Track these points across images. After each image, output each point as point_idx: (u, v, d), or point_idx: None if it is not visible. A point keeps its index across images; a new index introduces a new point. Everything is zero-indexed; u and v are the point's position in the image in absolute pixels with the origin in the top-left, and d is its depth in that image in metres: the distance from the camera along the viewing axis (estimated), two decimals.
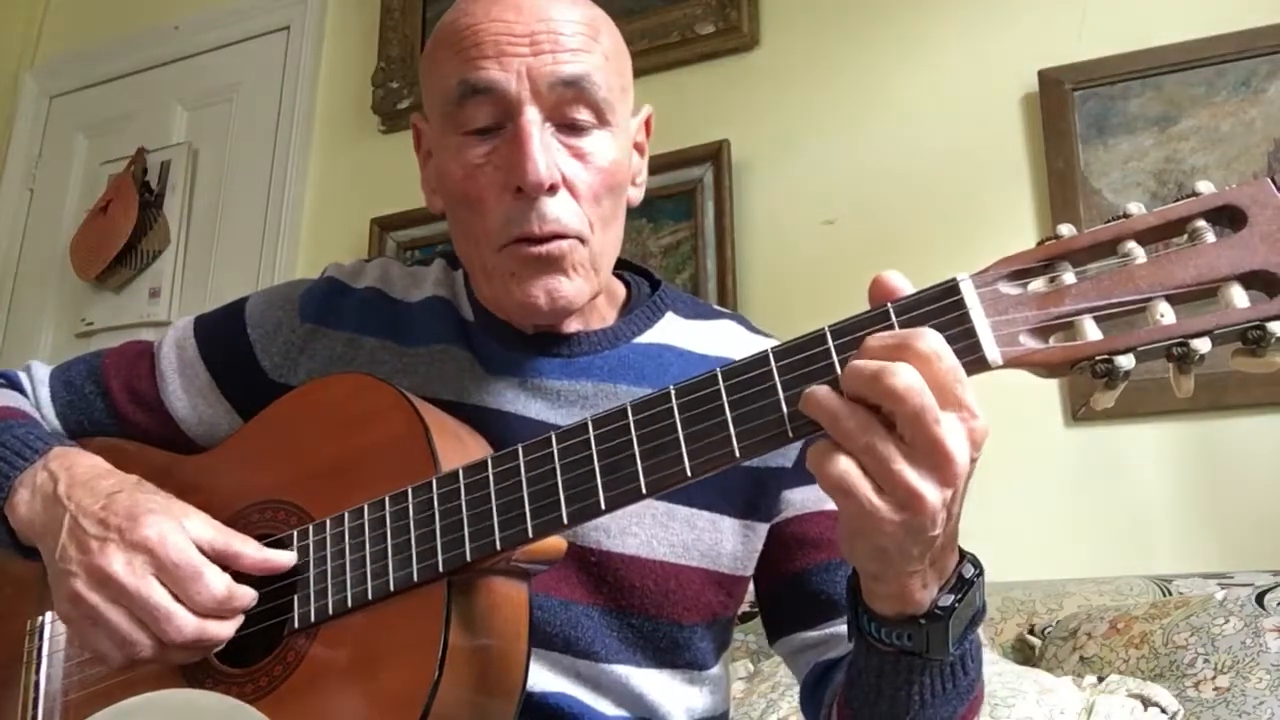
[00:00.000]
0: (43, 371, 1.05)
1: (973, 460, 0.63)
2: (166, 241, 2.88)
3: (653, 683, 0.91)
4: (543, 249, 0.86)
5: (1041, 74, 2.06)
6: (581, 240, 0.88)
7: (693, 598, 0.91)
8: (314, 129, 2.85)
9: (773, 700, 1.56)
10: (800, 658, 0.96)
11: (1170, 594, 1.62)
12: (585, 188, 0.87)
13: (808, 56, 2.31)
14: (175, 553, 0.78)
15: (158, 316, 2.84)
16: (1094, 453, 1.88)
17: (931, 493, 0.61)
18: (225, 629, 0.80)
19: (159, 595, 0.78)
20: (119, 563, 0.78)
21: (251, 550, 0.82)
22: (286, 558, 0.82)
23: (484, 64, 0.85)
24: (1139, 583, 1.66)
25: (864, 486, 0.62)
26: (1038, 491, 1.85)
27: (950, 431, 0.61)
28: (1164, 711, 1.38)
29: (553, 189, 0.85)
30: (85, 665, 0.88)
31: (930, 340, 0.62)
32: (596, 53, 0.88)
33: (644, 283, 1.04)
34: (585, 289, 0.89)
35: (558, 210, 0.86)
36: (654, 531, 0.90)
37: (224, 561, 0.81)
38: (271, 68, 2.93)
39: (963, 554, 0.70)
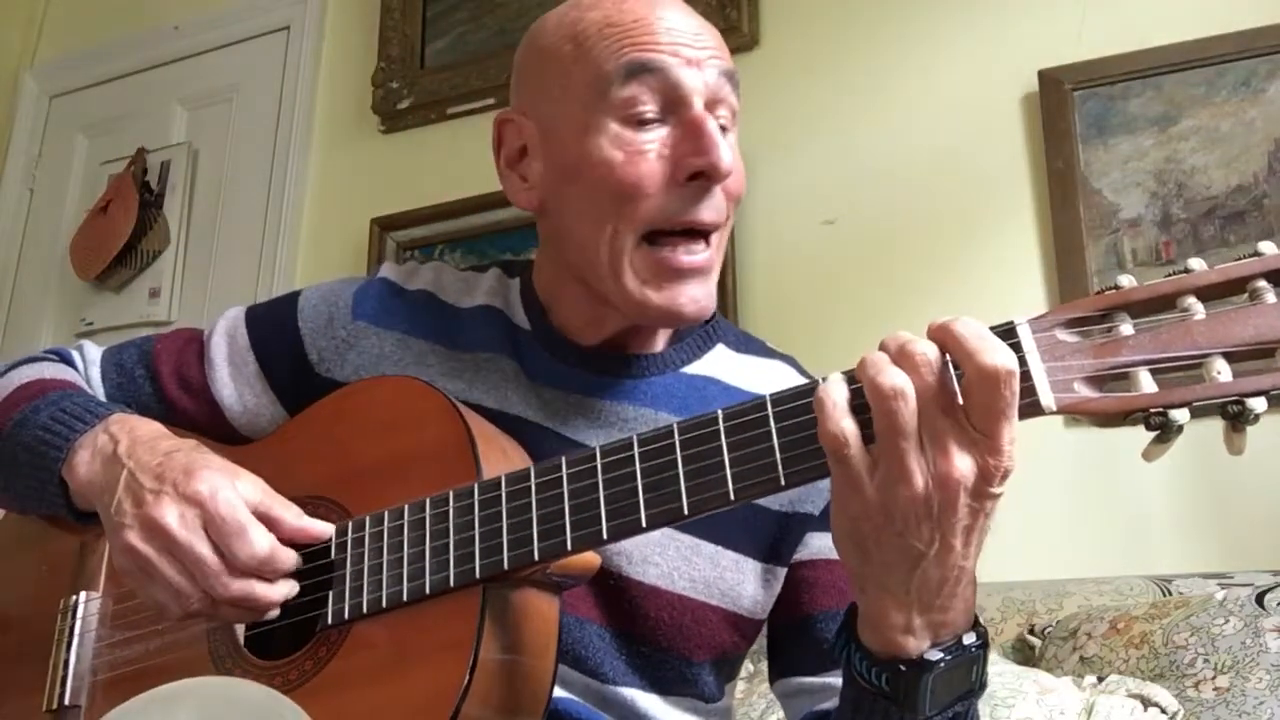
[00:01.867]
0: (95, 352, 1.07)
1: (980, 494, 0.62)
2: (166, 241, 2.88)
3: (659, 708, 0.91)
4: (697, 261, 0.87)
5: (1041, 74, 2.06)
6: (716, 243, 0.89)
7: (706, 635, 0.90)
8: (314, 129, 2.85)
9: (773, 701, 1.56)
10: (795, 701, 0.95)
11: (1170, 594, 1.61)
12: (734, 184, 0.89)
13: (807, 56, 2.31)
14: (224, 507, 0.80)
15: (158, 316, 2.84)
16: (1094, 453, 1.87)
17: (918, 476, 0.62)
18: (274, 592, 0.80)
19: (205, 549, 0.79)
20: (172, 515, 0.79)
21: (291, 517, 0.83)
22: (324, 528, 0.84)
23: (655, 49, 0.86)
24: (1139, 583, 1.66)
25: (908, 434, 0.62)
26: (1038, 492, 1.85)
27: (960, 440, 0.61)
28: (1164, 711, 1.38)
29: (729, 175, 0.86)
30: (116, 647, 0.90)
31: (1007, 360, 0.61)
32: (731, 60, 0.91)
33: None
34: (713, 295, 0.90)
35: (721, 201, 0.87)
36: (676, 564, 0.89)
37: (264, 524, 0.82)
38: (271, 68, 2.93)
39: (976, 625, 0.70)
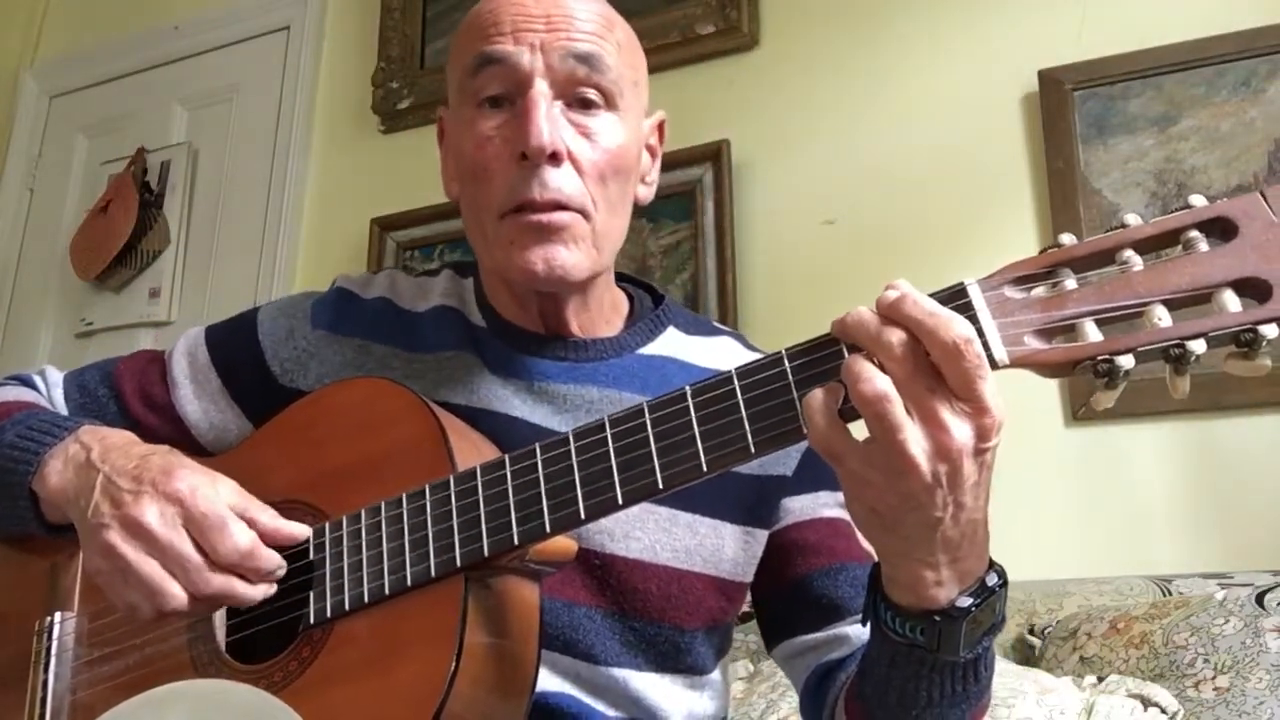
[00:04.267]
0: (56, 375, 1.07)
1: (981, 451, 0.64)
2: (166, 241, 2.88)
3: (653, 686, 0.92)
4: (543, 217, 0.88)
5: (1041, 74, 2.06)
6: (585, 215, 0.90)
7: (695, 603, 0.92)
8: (314, 129, 2.85)
9: (773, 701, 1.56)
10: (800, 660, 0.97)
11: (1170, 594, 1.62)
12: (589, 165, 0.90)
13: (808, 56, 2.31)
14: (204, 503, 0.80)
15: (158, 316, 2.84)
16: (1094, 453, 1.87)
17: (921, 459, 0.63)
18: (254, 591, 0.80)
19: (187, 545, 0.79)
20: (152, 513, 0.79)
21: (266, 518, 0.83)
22: (300, 529, 0.84)
23: (499, 39, 0.89)
24: (1139, 583, 1.66)
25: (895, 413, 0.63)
26: (1038, 491, 1.85)
27: (951, 411, 0.63)
28: (1164, 711, 1.38)
29: (555, 158, 0.88)
30: (94, 664, 0.89)
31: (961, 329, 0.63)
32: (610, 40, 0.92)
33: (647, 297, 1.06)
34: (584, 263, 0.91)
35: (560, 180, 0.88)
36: (657, 536, 0.91)
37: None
38: (271, 68, 2.93)
39: (992, 564, 0.72)
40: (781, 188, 2.26)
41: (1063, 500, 1.86)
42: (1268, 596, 1.48)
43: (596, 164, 0.90)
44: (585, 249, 0.90)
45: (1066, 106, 2.03)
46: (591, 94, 0.90)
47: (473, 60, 0.90)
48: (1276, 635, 1.41)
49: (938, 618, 0.70)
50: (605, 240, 0.92)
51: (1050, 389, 1.89)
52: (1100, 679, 1.45)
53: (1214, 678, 1.41)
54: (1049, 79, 2.05)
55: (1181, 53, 1.97)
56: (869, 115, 2.21)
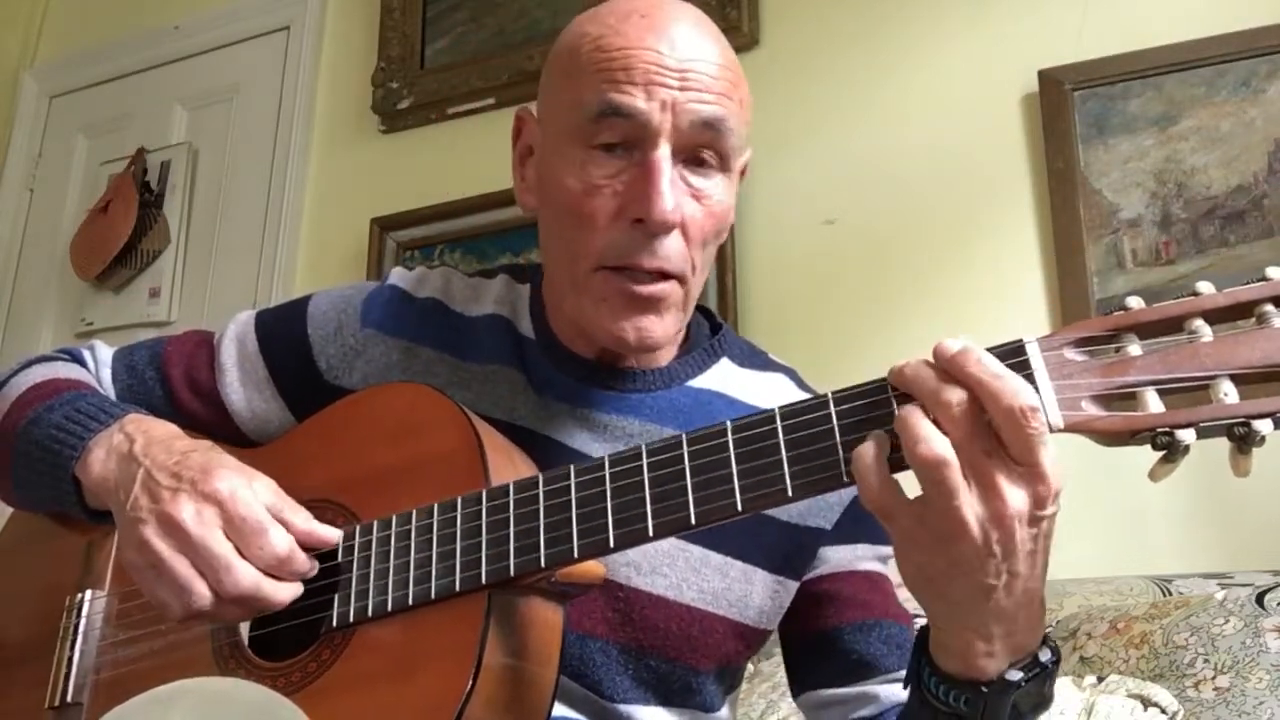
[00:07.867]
0: (106, 353, 1.07)
1: (1037, 519, 0.63)
2: (166, 241, 2.88)
3: None
4: (645, 290, 0.86)
5: (1041, 74, 2.06)
6: (682, 281, 0.88)
7: (714, 646, 0.91)
8: (314, 129, 2.85)
9: (773, 701, 1.56)
10: (824, 713, 0.95)
11: (1170, 594, 1.62)
12: (697, 230, 0.87)
13: (808, 56, 2.31)
14: (243, 507, 0.80)
15: (158, 316, 2.84)
16: (1094, 452, 1.87)
17: (974, 525, 0.62)
18: (282, 592, 0.80)
19: (222, 546, 0.79)
20: (189, 512, 0.80)
21: (300, 521, 0.83)
22: (332, 534, 0.83)
23: (631, 90, 0.84)
24: (1139, 583, 1.66)
25: (956, 478, 0.62)
26: None
27: (1008, 477, 0.62)
28: (1164, 711, 1.38)
29: (670, 228, 0.85)
30: (119, 646, 0.90)
31: (1028, 398, 0.62)
32: (735, 99, 0.88)
33: (705, 323, 1.04)
34: (673, 328, 0.90)
35: (669, 249, 0.86)
36: (685, 575, 0.89)
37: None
38: (271, 68, 2.93)
39: (1046, 640, 0.71)
40: (781, 188, 2.25)
41: (1063, 500, 1.86)
42: (1268, 596, 1.48)
43: (703, 229, 0.88)
44: (675, 314, 0.89)
45: (1066, 106, 2.03)
46: (710, 156, 0.87)
47: (597, 106, 0.84)
48: (1276, 635, 1.41)
49: (985, 688, 0.68)
50: (692, 299, 0.91)
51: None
52: (1100, 679, 1.45)
53: (1214, 678, 1.41)
54: (1049, 79, 2.05)
55: (1181, 53, 1.97)
56: (869, 115, 2.21)
